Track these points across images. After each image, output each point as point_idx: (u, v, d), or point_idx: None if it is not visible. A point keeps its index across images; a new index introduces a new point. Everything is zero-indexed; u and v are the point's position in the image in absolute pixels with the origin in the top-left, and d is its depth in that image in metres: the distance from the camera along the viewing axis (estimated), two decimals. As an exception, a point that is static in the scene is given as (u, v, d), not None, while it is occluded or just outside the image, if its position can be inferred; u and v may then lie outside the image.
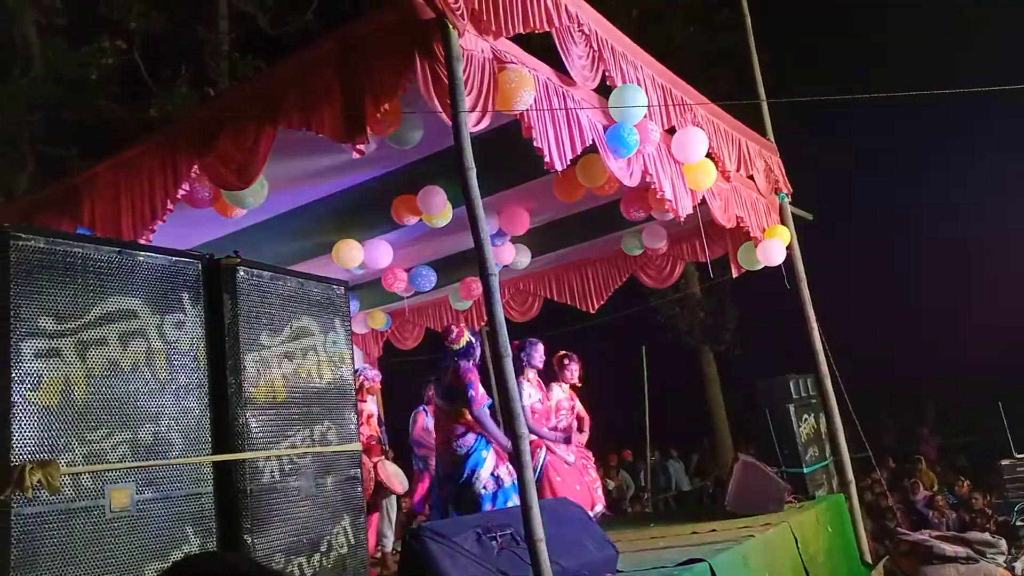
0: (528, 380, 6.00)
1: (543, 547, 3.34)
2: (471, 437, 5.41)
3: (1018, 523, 5.81)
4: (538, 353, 6.11)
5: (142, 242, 4.40)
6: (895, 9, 16.20)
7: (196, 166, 4.68)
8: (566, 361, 6.43)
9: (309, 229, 6.31)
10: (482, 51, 4.12)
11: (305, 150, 4.92)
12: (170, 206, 4.82)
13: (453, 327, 5.69)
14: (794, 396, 7.73)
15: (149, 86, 11.81)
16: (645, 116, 5.02)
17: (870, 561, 6.84)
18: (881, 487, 8.87)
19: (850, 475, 7.25)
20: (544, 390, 6.17)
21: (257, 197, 5.05)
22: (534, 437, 5.75)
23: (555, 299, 8.80)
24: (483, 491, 5.32)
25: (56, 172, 5.44)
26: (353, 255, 6.57)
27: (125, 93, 11.45)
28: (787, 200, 7.41)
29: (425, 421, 6.82)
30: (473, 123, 3.97)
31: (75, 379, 2.26)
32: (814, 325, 7.30)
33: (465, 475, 5.37)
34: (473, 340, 5.53)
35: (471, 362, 5.50)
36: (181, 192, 4.79)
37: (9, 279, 2.18)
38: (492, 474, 5.33)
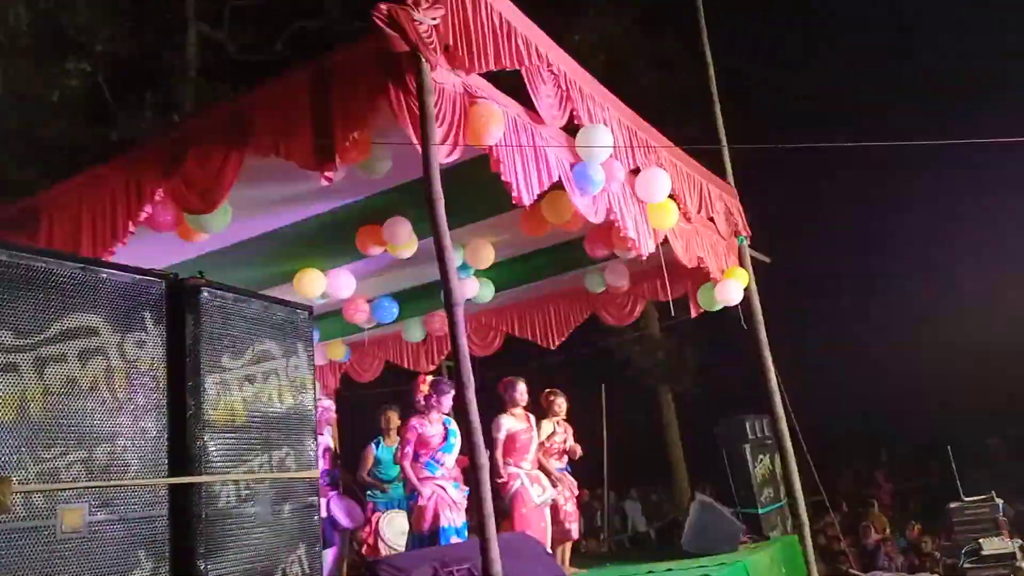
0: (513, 415, 6.18)
1: (500, 582, 3.31)
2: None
3: (966, 565, 5.91)
4: (518, 391, 6.30)
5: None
6: (865, 54, 16.73)
7: (161, 188, 4.65)
8: (551, 397, 6.63)
9: (272, 257, 6.27)
10: (454, 85, 4.18)
11: (271, 176, 4.90)
12: (132, 228, 4.77)
13: (421, 384, 5.86)
14: (750, 436, 7.83)
15: (113, 110, 11.70)
16: (611, 156, 5.12)
17: (822, 603, 6.90)
18: (834, 530, 8.96)
19: (804, 517, 7.32)
20: (531, 423, 6.27)
21: (220, 222, 5.02)
22: (512, 469, 6.02)
23: (516, 334, 8.81)
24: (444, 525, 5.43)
25: (13, 192, 5.36)
26: (316, 284, 6.53)
27: (89, 116, 11.32)
28: (746, 243, 7.56)
29: (377, 453, 6.76)
30: (444, 155, 4.01)
31: (31, 396, 2.21)
32: (770, 366, 7.42)
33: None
34: (433, 390, 5.84)
35: (433, 410, 5.82)
36: (144, 214, 4.75)
37: (-32, 292, 2.14)
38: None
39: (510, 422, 6.12)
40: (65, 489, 2.23)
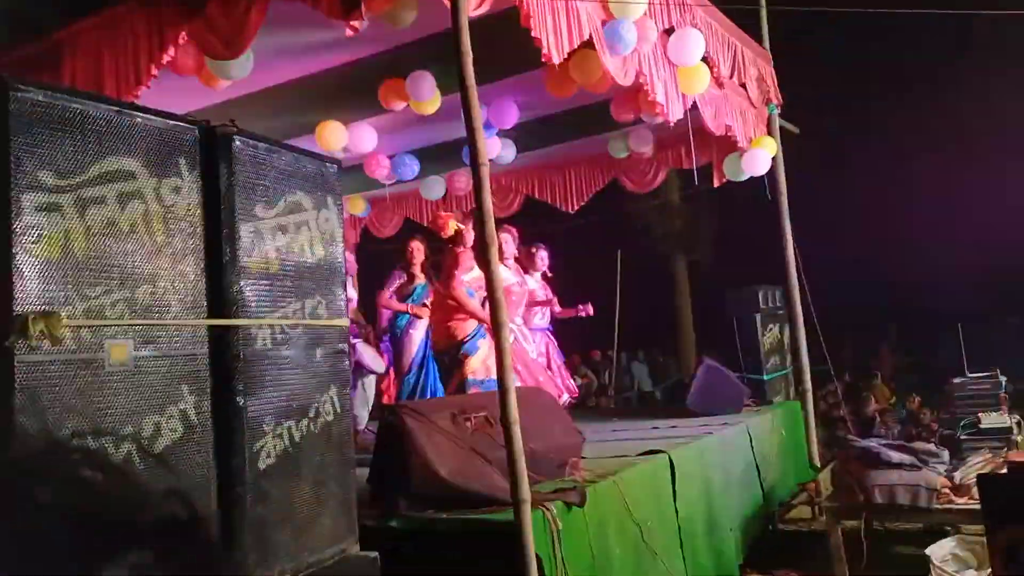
0: (506, 266, 6.09)
1: (517, 429, 3.50)
2: (471, 323, 5.55)
3: (962, 437, 6.13)
4: (509, 244, 6.21)
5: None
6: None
7: (183, 32, 4.56)
8: (534, 250, 6.58)
9: (293, 107, 6.20)
10: (485, -69, 4.00)
11: (294, 23, 4.80)
12: (154, 71, 4.72)
13: (438, 217, 5.77)
14: (762, 306, 7.95)
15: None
16: (644, 14, 4.94)
17: (818, 465, 7.23)
18: (836, 398, 9.24)
19: (808, 384, 7.54)
20: (522, 276, 6.30)
21: (242, 69, 4.95)
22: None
23: (536, 196, 8.82)
24: (470, 376, 5.50)
25: (31, 30, 5.25)
26: (337, 137, 6.50)
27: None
28: (776, 112, 7.40)
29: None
30: (473, 6, 3.89)
31: (75, 235, 2.27)
32: (788, 237, 7.43)
33: (458, 357, 5.58)
34: (462, 227, 5.62)
35: (463, 247, 5.60)
36: (166, 58, 4.68)
37: (9, 131, 2.16)
38: (484, 363, 5.49)
39: (504, 274, 5.94)
40: (111, 325, 2.33)
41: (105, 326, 2.33)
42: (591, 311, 6.86)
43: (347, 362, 3.16)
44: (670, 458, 4.84)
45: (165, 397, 2.46)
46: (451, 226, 5.64)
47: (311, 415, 2.92)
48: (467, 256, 5.60)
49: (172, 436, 2.46)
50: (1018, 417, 6.45)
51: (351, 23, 4.12)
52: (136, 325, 2.41)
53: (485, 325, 5.43)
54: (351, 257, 6.93)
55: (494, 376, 5.47)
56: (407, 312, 6.56)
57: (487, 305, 3.81)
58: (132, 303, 2.41)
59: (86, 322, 2.28)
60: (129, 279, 2.41)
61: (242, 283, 2.70)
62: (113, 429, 2.32)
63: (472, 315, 5.51)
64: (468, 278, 5.57)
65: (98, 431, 2.27)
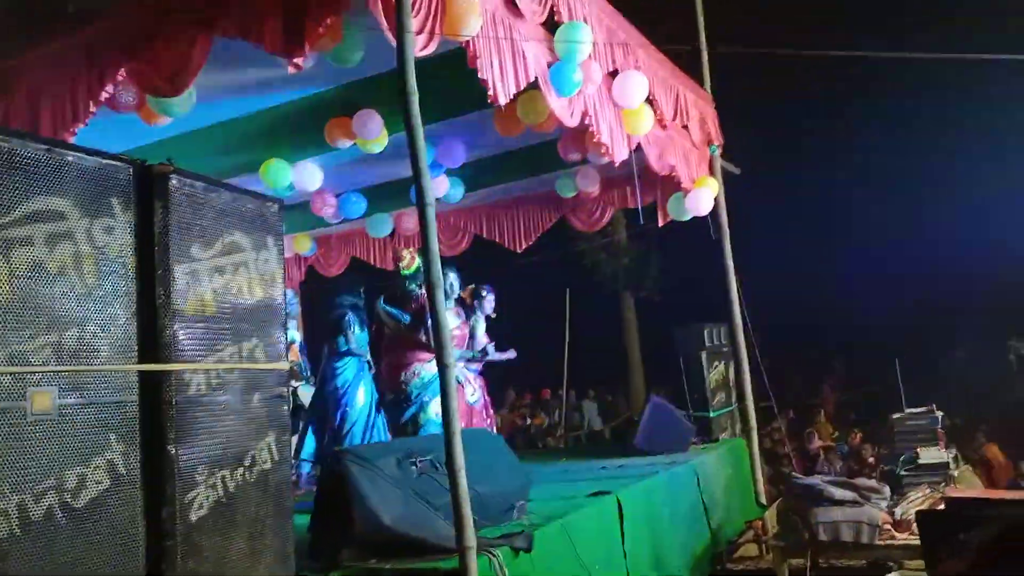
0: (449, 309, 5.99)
1: (463, 474, 3.44)
2: (431, 366, 5.45)
3: (902, 472, 6.24)
4: (456, 284, 6.13)
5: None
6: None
7: (124, 69, 4.47)
8: (483, 293, 6.46)
9: (237, 144, 6.12)
10: (431, -27, 4.03)
11: (238, 60, 4.74)
12: (93, 108, 4.61)
13: (404, 252, 5.68)
14: (707, 344, 8.04)
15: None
16: (589, 56, 5.02)
17: (764, 503, 7.27)
18: (780, 435, 9.35)
19: (753, 422, 7.63)
20: (463, 319, 6.20)
21: (184, 106, 4.87)
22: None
23: (484, 236, 8.82)
24: (435, 417, 5.37)
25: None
26: (282, 175, 6.41)
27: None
28: (718, 152, 7.56)
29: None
30: (419, 47, 3.90)
31: (-3, 278, 2.18)
32: (732, 276, 7.55)
33: (415, 403, 5.48)
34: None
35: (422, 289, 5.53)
36: (105, 95, 4.58)
37: (-72, 170, 2.07)
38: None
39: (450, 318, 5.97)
40: (34, 372, 2.23)
41: (28, 373, 2.22)
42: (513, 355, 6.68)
43: (286, 407, 3.08)
44: (618, 499, 4.81)
45: (91, 447, 2.35)
46: (411, 260, 5.54)
47: (247, 463, 2.82)
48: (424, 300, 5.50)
49: (98, 488, 2.35)
50: (955, 452, 6.60)
51: (294, 60, 4.08)
52: (61, 371, 2.30)
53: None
54: (294, 296, 6.80)
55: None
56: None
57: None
58: (58, 348, 2.31)
59: (7, 368, 2.17)
60: (56, 323, 2.32)
61: (176, 326, 2.61)
62: (34, 482, 2.20)
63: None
64: None
65: (17, 485, 2.15)
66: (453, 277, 5.66)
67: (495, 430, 6.60)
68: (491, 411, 6.58)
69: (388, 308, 5.97)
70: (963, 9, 13.23)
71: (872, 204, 16.15)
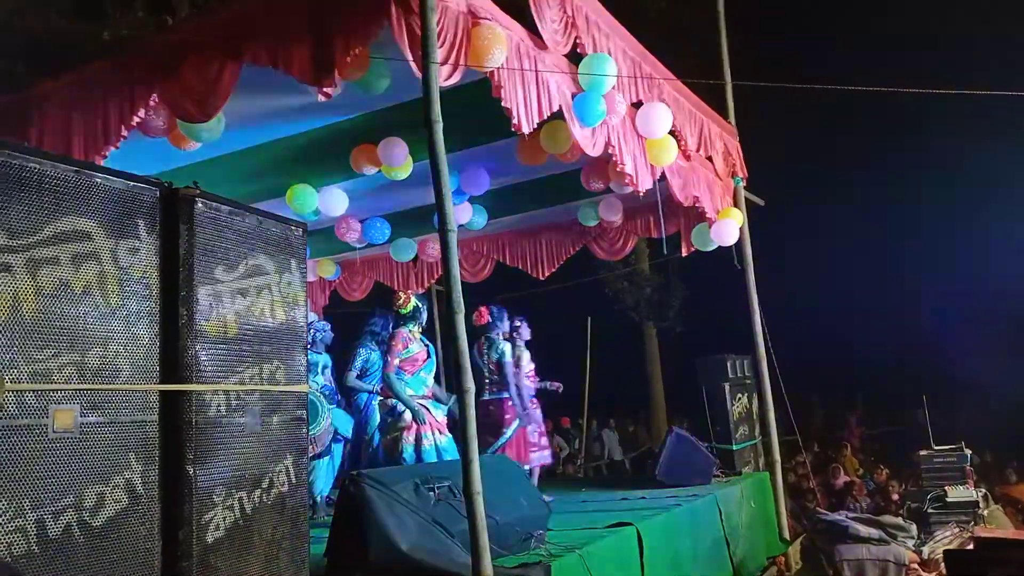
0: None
1: (480, 500, 3.42)
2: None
3: (930, 510, 6.11)
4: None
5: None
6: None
7: (156, 94, 4.57)
8: (517, 323, 6.70)
9: (264, 170, 6.21)
10: (457, 4, 4.09)
11: (267, 87, 4.81)
12: (124, 132, 4.70)
13: (400, 293, 5.78)
14: (730, 375, 7.96)
15: (105, 5, 11.32)
16: (613, 87, 5.04)
17: (788, 538, 7.14)
18: (805, 469, 9.20)
19: (777, 455, 7.51)
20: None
21: (213, 131, 4.95)
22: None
23: (507, 263, 8.84)
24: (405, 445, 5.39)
25: (2, 85, 5.24)
26: (308, 201, 6.50)
27: (79, 11, 10.96)
28: (742, 184, 7.54)
29: None
30: (443, 77, 3.95)
31: (24, 296, 2.21)
32: (756, 308, 7.49)
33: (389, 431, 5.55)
34: (420, 305, 5.69)
35: (411, 328, 5.62)
36: (136, 119, 4.67)
37: (-39, 188, 2.12)
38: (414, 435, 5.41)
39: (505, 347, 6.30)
40: (57, 390, 2.25)
41: (51, 390, 2.25)
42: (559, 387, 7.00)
43: (304, 429, 3.08)
44: (638, 531, 4.75)
45: (111, 466, 2.37)
46: (406, 300, 5.67)
47: (264, 485, 2.83)
48: (400, 337, 5.54)
49: (116, 507, 2.36)
50: (984, 490, 6.46)
51: (324, 89, 4.15)
52: (84, 389, 2.32)
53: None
54: (327, 325, 6.81)
55: (433, 445, 5.44)
56: None
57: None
58: (81, 367, 2.34)
59: (30, 386, 2.20)
60: (79, 342, 2.34)
61: (197, 347, 2.64)
62: (53, 500, 2.21)
63: (398, 398, 5.44)
64: (402, 357, 5.54)
65: (36, 502, 2.17)
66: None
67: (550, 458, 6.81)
68: (544, 440, 6.66)
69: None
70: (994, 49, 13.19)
71: (898, 237, 16.02)
